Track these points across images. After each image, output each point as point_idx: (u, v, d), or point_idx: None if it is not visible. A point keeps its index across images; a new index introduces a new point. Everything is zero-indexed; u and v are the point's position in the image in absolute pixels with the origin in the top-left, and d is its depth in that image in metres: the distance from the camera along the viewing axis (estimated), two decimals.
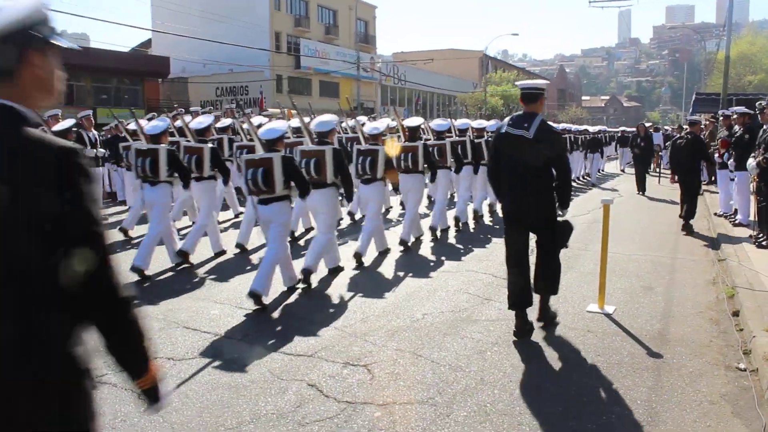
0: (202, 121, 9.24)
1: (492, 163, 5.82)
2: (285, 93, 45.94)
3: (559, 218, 5.63)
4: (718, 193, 13.22)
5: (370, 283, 7.26)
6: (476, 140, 11.42)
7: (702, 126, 13.39)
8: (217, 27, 41.62)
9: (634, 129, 28.06)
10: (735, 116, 11.49)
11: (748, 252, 8.44)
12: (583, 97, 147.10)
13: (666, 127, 35.14)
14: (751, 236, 9.27)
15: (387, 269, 7.90)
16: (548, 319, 5.67)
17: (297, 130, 9.80)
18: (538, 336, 5.41)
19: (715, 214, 12.12)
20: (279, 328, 5.67)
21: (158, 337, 5.38)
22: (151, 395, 2.03)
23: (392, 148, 8.27)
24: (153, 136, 7.87)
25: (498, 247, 9.30)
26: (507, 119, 5.68)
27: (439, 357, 4.89)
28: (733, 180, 11.32)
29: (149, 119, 14.36)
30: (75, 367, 1.74)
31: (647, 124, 27.86)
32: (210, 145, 8.49)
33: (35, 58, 1.74)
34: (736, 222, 10.84)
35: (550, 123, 6.00)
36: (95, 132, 12.40)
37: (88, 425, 1.80)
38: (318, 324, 5.72)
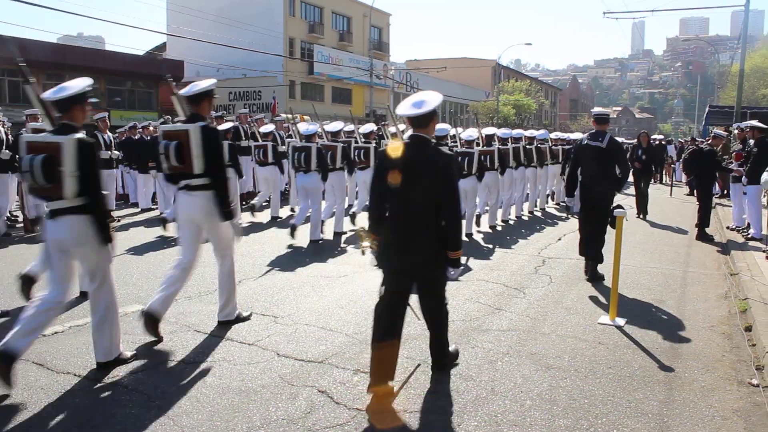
0: (335, 125, 12.10)
1: (573, 165, 8.23)
2: (298, 99, 46.16)
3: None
4: (731, 206, 13.17)
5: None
6: (528, 146, 13.75)
7: (723, 139, 13.41)
8: (231, 32, 41.84)
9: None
10: (748, 130, 11.48)
11: (761, 266, 8.39)
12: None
13: (680, 140, 34.88)
14: (764, 251, 9.22)
15: None
16: (596, 279, 7.89)
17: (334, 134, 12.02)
18: (549, 347, 5.40)
19: (728, 227, 12.06)
20: (289, 333, 5.67)
21: (169, 340, 5.41)
22: (456, 263, 4.46)
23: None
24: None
25: (509, 257, 9.29)
26: (586, 134, 8.41)
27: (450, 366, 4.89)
28: (745, 194, 11.31)
29: (162, 122, 14.47)
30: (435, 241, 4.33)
31: (659, 136, 27.76)
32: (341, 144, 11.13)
33: (436, 118, 4.40)
34: (749, 236, 10.79)
35: (616, 138, 8.50)
36: (110, 134, 12.49)
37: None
38: (328, 330, 5.73)
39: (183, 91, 5.62)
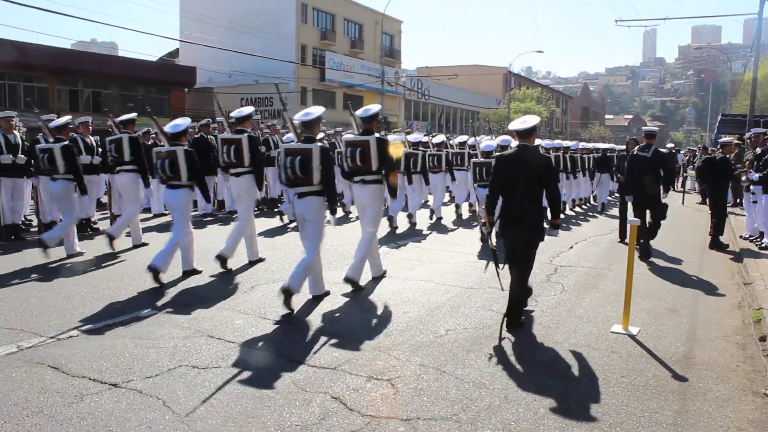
0: (417, 137, 14.26)
1: (628, 170, 10.36)
2: (310, 105, 46.21)
3: (662, 199, 10.17)
4: (744, 215, 13.10)
5: (393, 297, 7.27)
6: (565, 155, 16.40)
7: (731, 146, 13.25)
8: (243, 38, 42.04)
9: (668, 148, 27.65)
10: (766, 136, 11.33)
11: None
12: (607, 116, 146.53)
13: (690, 148, 34.58)
14: None
15: (410, 284, 7.91)
16: (647, 255, 9.85)
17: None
18: (562, 355, 5.39)
19: (741, 236, 12.01)
20: (302, 339, 5.69)
21: (183, 345, 5.43)
22: (557, 227, 6.48)
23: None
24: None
25: None
26: (637, 147, 10.54)
27: (463, 373, 4.89)
28: (754, 203, 11.27)
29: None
30: (544, 210, 6.32)
31: (669, 145, 27.60)
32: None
33: (535, 133, 6.21)
34: (763, 245, 10.73)
35: (661, 149, 10.79)
36: (92, 138, 12.02)
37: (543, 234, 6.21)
38: (341, 337, 5.74)
39: (358, 113, 7.76)
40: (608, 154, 19.01)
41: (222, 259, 8.32)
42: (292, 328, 6.02)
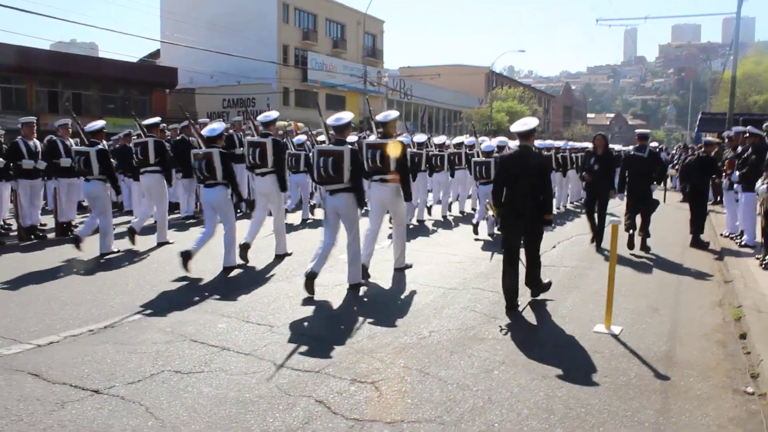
0: (420, 137, 14.76)
1: (622, 169, 10.93)
2: (292, 106, 46.12)
3: (653, 194, 10.79)
4: (724, 213, 13.21)
5: (376, 299, 7.27)
6: (555, 155, 17.19)
7: (715, 146, 13.31)
8: (225, 39, 41.86)
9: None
10: (747, 135, 11.38)
11: (755, 274, 8.43)
12: (588, 115, 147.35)
13: (673, 152, 34.50)
14: (757, 258, 9.26)
15: (393, 285, 7.91)
16: (645, 248, 10.76)
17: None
18: (545, 356, 5.42)
19: (722, 234, 12.12)
20: (286, 343, 5.67)
21: (165, 350, 5.40)
22: (549, 222, 6.81)
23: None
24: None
25: None
26: (632, 147, 11.58)
27: (447, 375, 4.90)
28: (737, 201, 11.35)
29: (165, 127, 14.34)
30: (537, 209, 6.73)
31: (654, 144, 27.78)
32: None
33: (534, 134, 6.97)
34: (743, 243, 10.83)
35: (655, 150, 11.90)
36: (72, 141, 11.94)
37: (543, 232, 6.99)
38: (325, 340, 5.73)
39: (379, 118, 8.53)
40: None
41: (279, 256, 9.56)
42: (275, 332, 5.99)
